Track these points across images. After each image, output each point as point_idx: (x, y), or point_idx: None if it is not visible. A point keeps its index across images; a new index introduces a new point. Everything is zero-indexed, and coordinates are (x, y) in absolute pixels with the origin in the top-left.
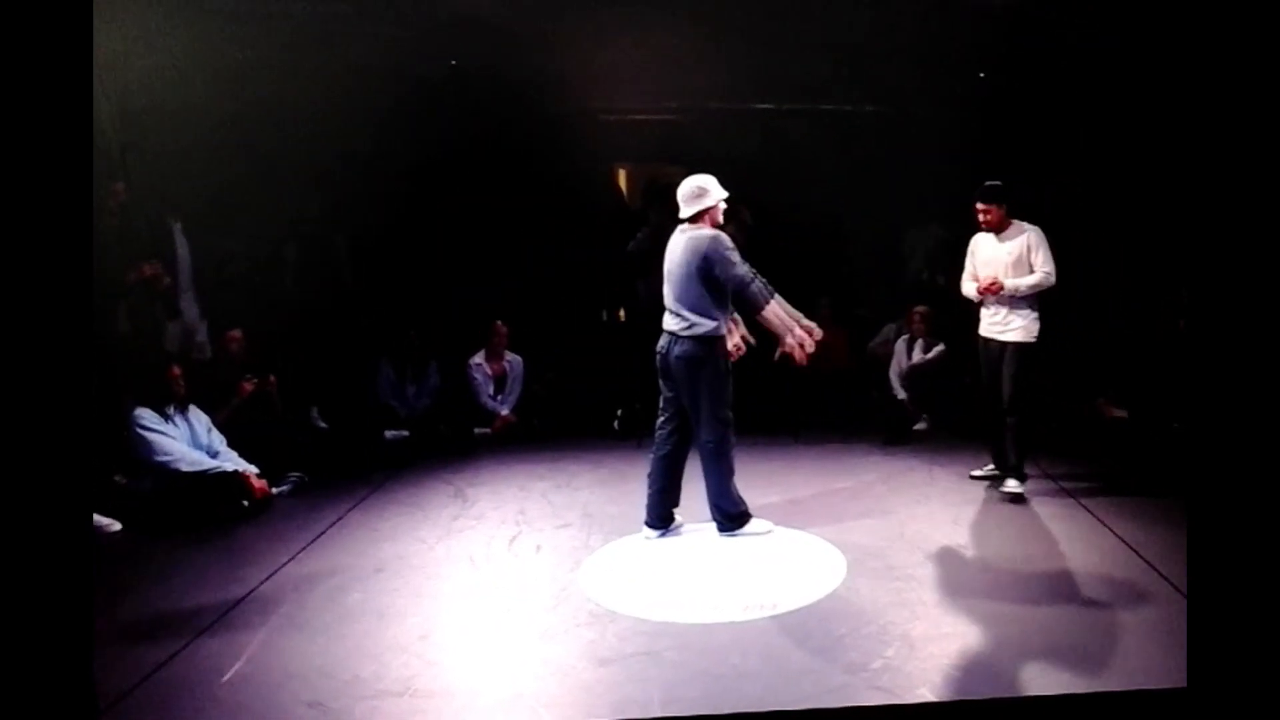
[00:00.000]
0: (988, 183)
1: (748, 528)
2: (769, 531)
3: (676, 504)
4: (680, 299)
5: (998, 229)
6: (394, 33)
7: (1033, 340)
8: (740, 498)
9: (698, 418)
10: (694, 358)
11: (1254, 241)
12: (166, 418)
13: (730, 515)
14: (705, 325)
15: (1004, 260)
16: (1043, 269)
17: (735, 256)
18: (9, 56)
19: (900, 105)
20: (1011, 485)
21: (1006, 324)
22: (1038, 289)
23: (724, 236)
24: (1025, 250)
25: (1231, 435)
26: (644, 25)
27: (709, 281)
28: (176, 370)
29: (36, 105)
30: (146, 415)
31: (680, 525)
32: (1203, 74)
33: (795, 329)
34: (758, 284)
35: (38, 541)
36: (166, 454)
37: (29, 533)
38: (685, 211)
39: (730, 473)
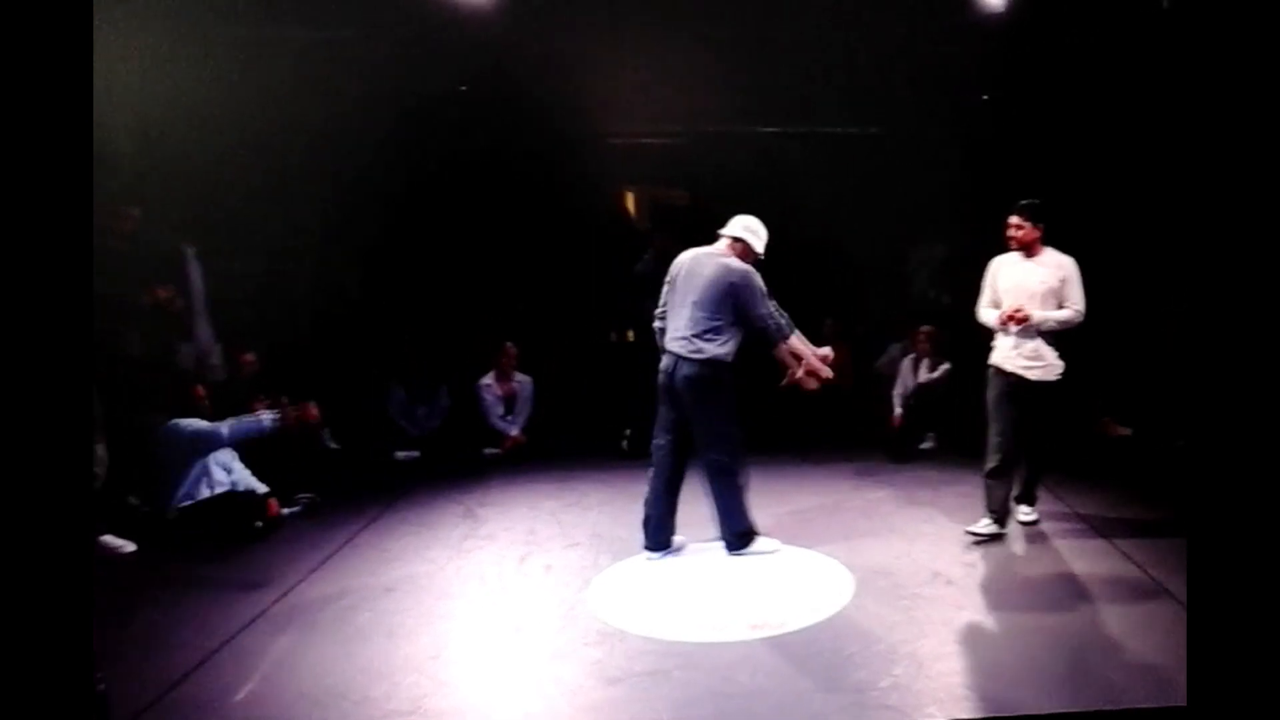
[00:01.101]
0: (1026, 199)
1: (755, 546)
2: (776, 550)
3: (674, 528)
4: (696, 321)
5: (1028, 251)
6: (402, 57)
7: (1060, 378)
8: (748, 514)
9: (707, 438)
10: (701, 379)
11: (1255, 255)
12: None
13: (739, 533)
14: (715, 350)
15: (1034, 288)
16: (1076, 305)
17: (763, 294)
18: (10, 72)
19: (901, 125)
20: (1025, 513)
21: (1036, 359)
22: (1067, 325)
23: (756, 273)
24: (1060, 282)
25: (1231, 451)
26: (649, 50)
27: (733, 310)
28: (201, 390)
29: (37, 122)
30: (223, 456)
31: (684, 545)
32: (1198, 89)
33: (807, 357)
34: (776, 321)
35: (39, 560)
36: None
37: (29, 550)
38: (726, 230)
39: (741, 490)
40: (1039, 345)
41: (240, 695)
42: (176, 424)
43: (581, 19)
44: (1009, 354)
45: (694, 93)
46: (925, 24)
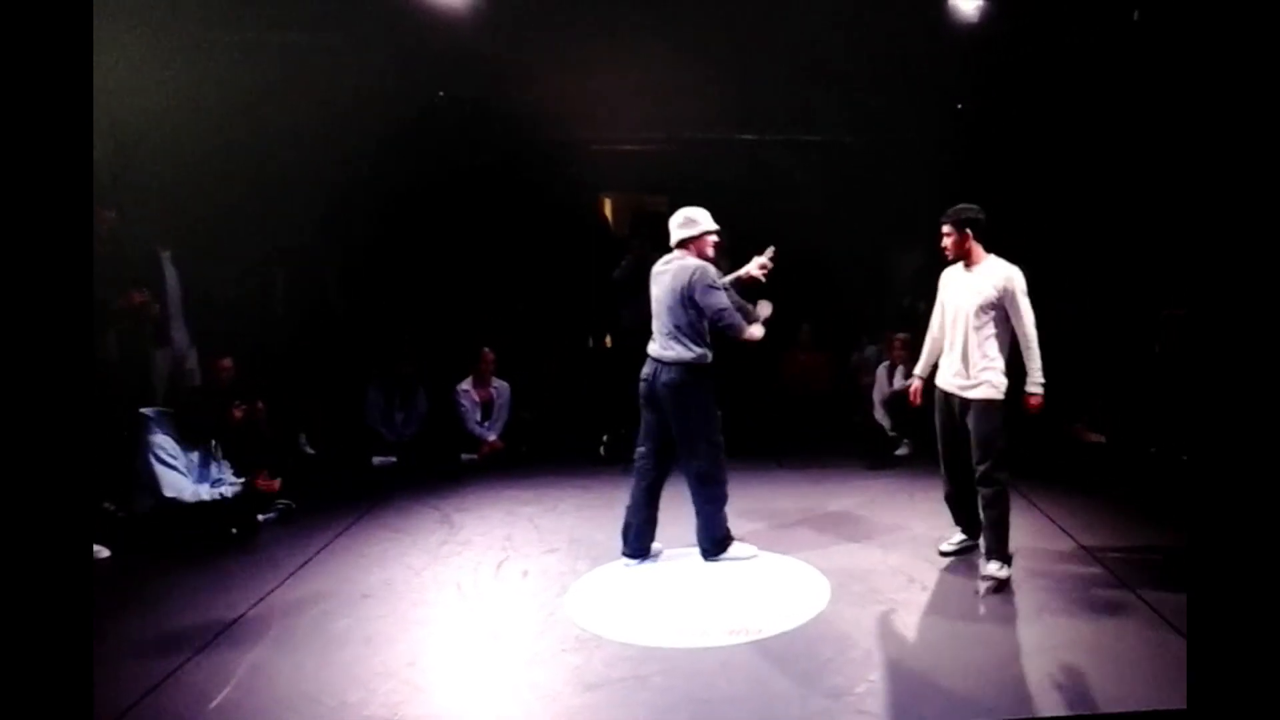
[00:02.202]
0: (957, 205)
1: (732, 552)
2: (754, 556)
3: (654, 535)
4: (667, 327)
5: (966, 260)
6: (384, 63)
7: (1002, 396)
8: (725, 521)
9: (688, 445)
10: (681, 385)
11: (1241, 263)
12: (185, 448)
13: (717, 540)
14: (691, 353)
15: (971, 299)
16: (1025, 331)
17: (718, 287)
18: (9, 78)
19: (881, 134)
20: (994, 569)
21: (970, 378)
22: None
23: (709, 267)
24: (999, 293)
25: (1231, 455)
26: (630, 57)
27: (695, 310)
28: (239, 413)
29: (37, 126)
30: (168, 446)
31: (660, 551)
32: (1179, 98)
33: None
34: (734, 315)
35: (37, 565)
36: (176, 490)
37: (28, 555)
38: (674, 239)
39: (723, 499)
40: (981, 360)
41: (216, 702)
42: (158, 443)
43: (563, 26)
44: (948, 372)
45: (675, 100)
46: (904, 33)
